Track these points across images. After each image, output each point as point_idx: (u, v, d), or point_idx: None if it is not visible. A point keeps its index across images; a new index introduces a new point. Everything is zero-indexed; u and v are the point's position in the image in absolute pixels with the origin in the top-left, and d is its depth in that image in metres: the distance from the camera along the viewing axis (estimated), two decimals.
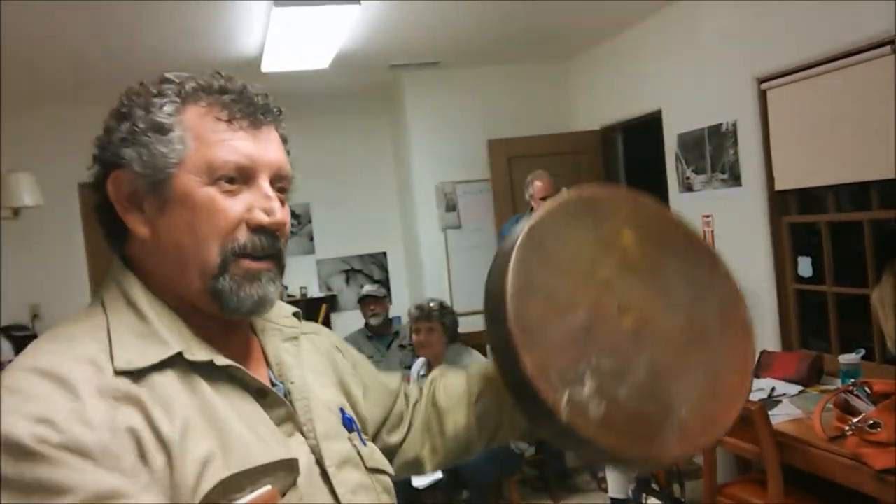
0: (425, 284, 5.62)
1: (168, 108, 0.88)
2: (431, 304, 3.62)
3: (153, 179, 0.88)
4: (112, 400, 0.78)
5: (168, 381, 0.83)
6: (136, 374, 0.81)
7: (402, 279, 6.28)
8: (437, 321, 3.56)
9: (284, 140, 0.97)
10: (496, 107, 5.64)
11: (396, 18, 4.20)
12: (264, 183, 0.91)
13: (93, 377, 0.79)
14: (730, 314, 1.03)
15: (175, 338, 0.86)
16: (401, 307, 5.62)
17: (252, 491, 0.80)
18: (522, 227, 1.02)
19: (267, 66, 4.63)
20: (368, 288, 4.88)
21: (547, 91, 5.79)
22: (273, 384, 0.95)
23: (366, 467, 0.96)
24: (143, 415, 0.79)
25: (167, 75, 0.92)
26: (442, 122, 5.61)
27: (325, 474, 0.90)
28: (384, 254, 6.24)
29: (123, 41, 4.11)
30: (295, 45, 4.31)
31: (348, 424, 0.99)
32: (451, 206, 5.60)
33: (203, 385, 0.85)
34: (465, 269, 5.59)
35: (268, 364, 0.97)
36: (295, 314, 1.06)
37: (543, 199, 4.52)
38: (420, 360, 3.77)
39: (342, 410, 1.00)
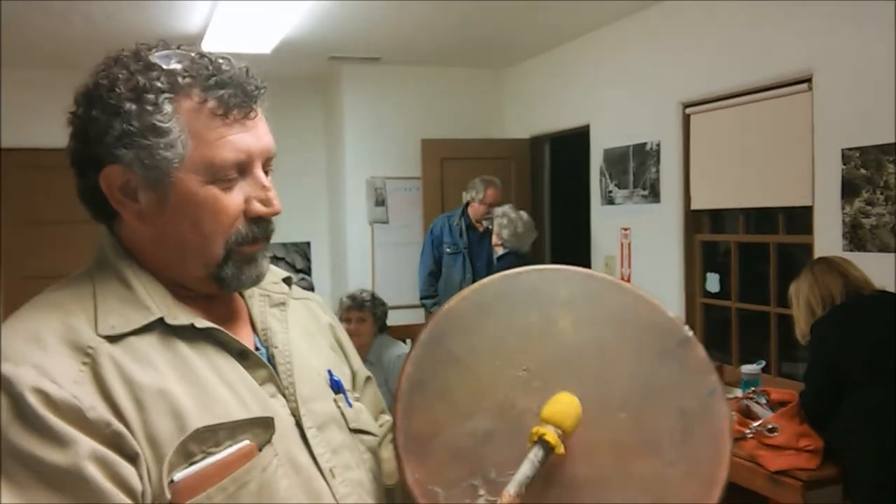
0: (348, 277, 5.65)
1: (167, 109, 0.86)
2: (364, 294, 3.68)
3: (153, 180, 0.88)
4: (85, 356, 0.82)
5: (148, 343, 0.86)
6: (117, 338, 0.85)
7: (324, 270, 6.27)
8: (369, 311, 3.61)
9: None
10: (432, 107, 5.73)
11: (341, 11, 4.24)
12: (259, 172, 0.92)
13: (67, 336, 0.83)
14: (698, 416, 0.88)
15: (158, 304, 0.89)
16: (322, 297, 5.61)
17: (231, 446, 0.84)
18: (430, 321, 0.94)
19: (208, 46, 4.58)
20: None
21: (482, 96, 5.93)
22: (258, 348, 0.98)
23: (349, 428, 1.00)
24: (117, 370, 0.82)
25: (152, 59, 0.88)
26: (377, 118, 5.66)
27: (304, 436, 0.93)
28: (308, 243, 6.22)
29: (60, 7, 3.99)
30: (240, 28, 4.29)
31: (335, 386, 1.03)
32: (380, 201, 5.66)
33: (183, 347, 0.88)
34: (390, 264, 5.65)
35: (255, 329, 1.00)
36: (286, 279, 1.09)
37: (490, 205, 4.69)
38: None
39: (330, 372, 1.04)
